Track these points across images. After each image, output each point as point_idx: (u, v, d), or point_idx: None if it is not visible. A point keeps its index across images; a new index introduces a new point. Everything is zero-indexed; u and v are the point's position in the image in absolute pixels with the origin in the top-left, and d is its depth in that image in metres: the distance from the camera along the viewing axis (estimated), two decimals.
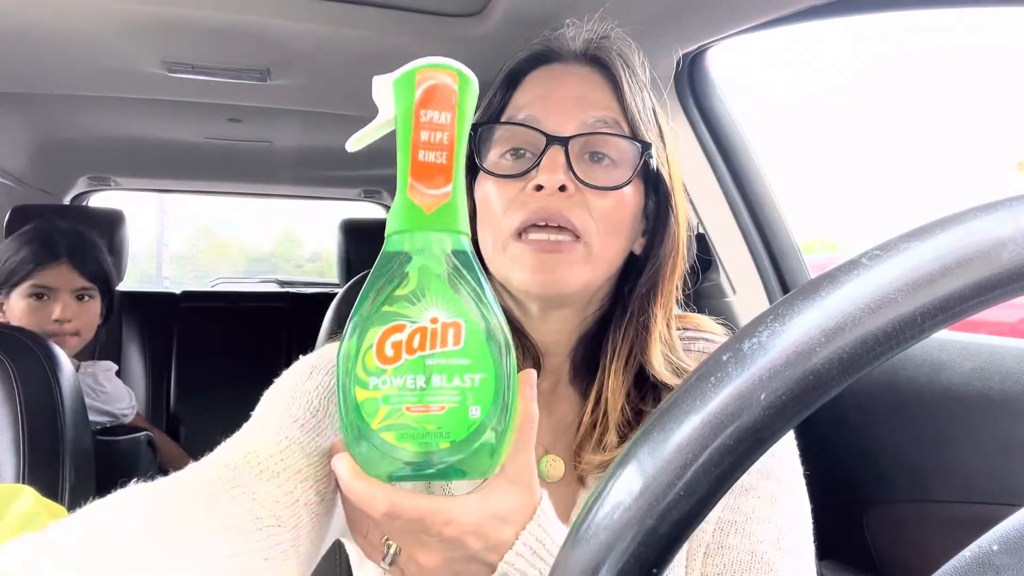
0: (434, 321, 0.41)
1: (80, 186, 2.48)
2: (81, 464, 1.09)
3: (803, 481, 0.61)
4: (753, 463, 0.24)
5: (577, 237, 0.56)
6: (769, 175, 1.23)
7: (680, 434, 0.24)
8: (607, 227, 0.57)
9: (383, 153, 2.39)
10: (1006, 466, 0.87)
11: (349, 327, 0.41)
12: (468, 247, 0.43)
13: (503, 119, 0.62)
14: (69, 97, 1.58)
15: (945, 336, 0.98)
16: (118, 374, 1.72)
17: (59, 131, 1.91)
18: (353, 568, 0.65)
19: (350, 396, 0.41)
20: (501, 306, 0.60)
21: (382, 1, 1.07)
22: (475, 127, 0.62)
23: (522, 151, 0.59)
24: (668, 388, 0.61)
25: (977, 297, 0.22)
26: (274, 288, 3.25)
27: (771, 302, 0.86)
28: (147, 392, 2.18)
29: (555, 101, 0.60)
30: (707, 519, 0.56)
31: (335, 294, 1.15)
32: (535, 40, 0.66)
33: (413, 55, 0.46)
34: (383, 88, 0.44)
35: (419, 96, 0.42)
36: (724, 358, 0.24)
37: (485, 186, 0.60)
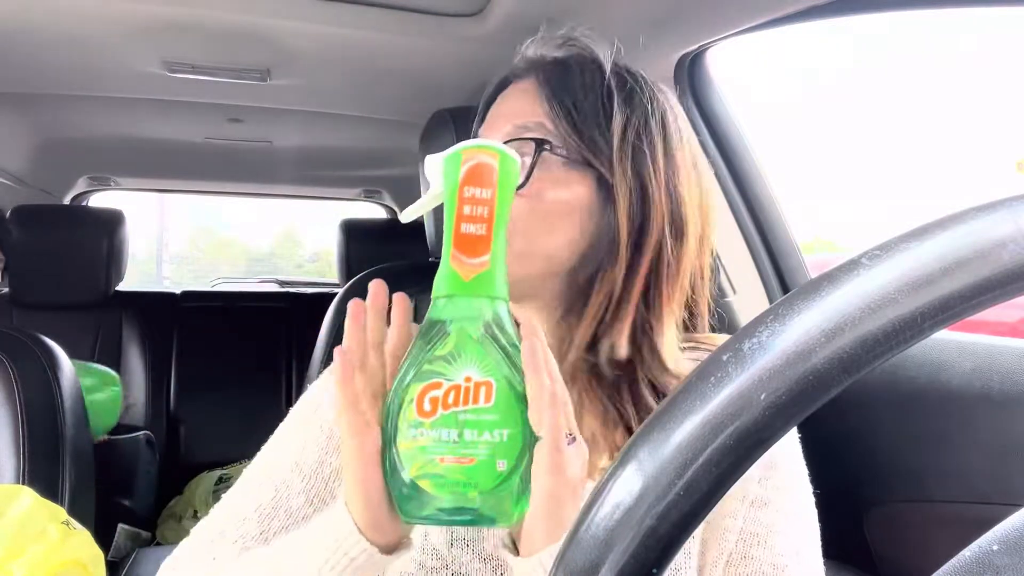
0: (468, 380, 0.45)
1: (80, 186, 2.49)
2: (81, 464, 1.09)
3: (811, 491, 0.64)
4: (753, 463, 0.24)
5: None
6: (769, 175, 1.23)
7: (680, 434, 0.24)
8: (529, 225, 0.58)
9: (383, 153, 2.39)
10: (1006, 466, 0.87)
11: (396, 380, 0.47)
12: (504, 312, 0.47)
13: None
14: (69, 97, 1.58)
15: (945, 336, 0.98)
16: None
17: (59, 131, 1.91)
18: None
19: (393, 444, 0.46)
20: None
21: (382, 1, 1.07)
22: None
23: None
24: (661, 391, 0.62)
25: (977, 297, 0.22)
26: (274, 288, 3.25)
27: (771, 302, 0.86)
28: (147, 392, 2.18)
29: (491, 122, 0.64)
30: (729, 529, 0.59)
31: (335, 294, 1.15)
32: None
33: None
34: (434, 165, 0.50)
35: (463, 174, 0.47)
36: (724, 358, 0.24)
37: None
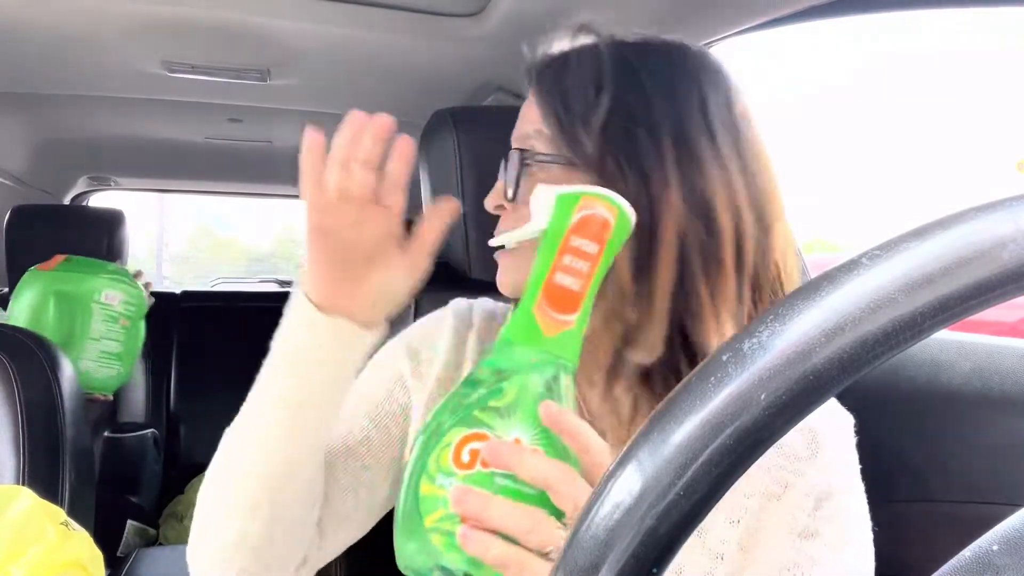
0: (517, 442, 0.40)
1: (80, 186, 2.48)
2: (81, 464, 1.09)
3: (867, 524, 0.59)
4: (753, 463, 0.24)
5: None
6: None
7: (680, 434, 0.24)
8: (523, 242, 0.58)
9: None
10: (1006, 466, 0.87)
11: (434, 412, 0.42)
12: (570, 383, 0.42)
13: None
14: (69, 97, 1.58)
15: (945, 336, 0.98)
16: None
17: (59, 131, 1.91)
18: None
19: (414, 483, 0.41)
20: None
21: (382, 1, 1.07)
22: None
23: None
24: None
25: (977, 297, 0.22)
26: (274, 288, 3.25)
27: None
28: (147, 392, 2.18)
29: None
30: (768, 563, 0.56)
31: None
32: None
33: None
34: (545, 197, 0.45)
35: (574, 221, 0.43)
36: (724, 358, 0.24)
37: None
